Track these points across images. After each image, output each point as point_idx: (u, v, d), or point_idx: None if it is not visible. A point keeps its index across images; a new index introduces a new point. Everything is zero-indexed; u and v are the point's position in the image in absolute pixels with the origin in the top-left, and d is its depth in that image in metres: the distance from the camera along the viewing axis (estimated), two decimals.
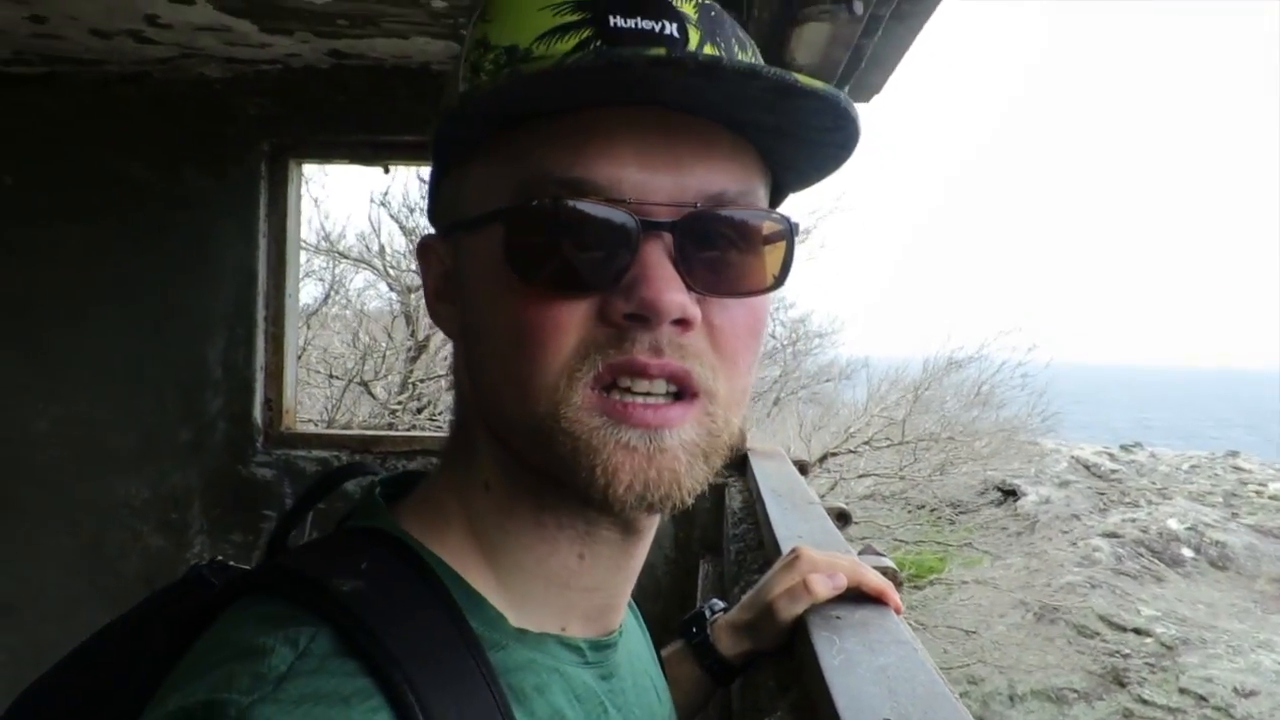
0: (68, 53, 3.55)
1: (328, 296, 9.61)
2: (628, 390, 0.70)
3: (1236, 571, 15.37)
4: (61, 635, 0.98)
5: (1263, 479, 18.33)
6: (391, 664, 0.63)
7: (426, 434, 5.43)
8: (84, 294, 3.76)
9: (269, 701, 0.59)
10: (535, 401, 0.71)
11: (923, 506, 12.29)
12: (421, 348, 9.24)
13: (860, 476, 11.91)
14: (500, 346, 0.73)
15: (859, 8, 1.86)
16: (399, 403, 9.08)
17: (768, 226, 0.76)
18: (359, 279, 10.02)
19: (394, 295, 9.56)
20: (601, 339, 0.70)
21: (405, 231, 9.30)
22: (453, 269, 0.80)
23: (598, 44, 0.70)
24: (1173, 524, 16.12)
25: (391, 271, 9.44)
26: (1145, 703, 11.72)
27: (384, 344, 9.37)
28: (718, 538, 3.32)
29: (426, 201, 0.86)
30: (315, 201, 9.02)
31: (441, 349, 8.94)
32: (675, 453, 0.71)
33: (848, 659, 1.08)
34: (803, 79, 0.66)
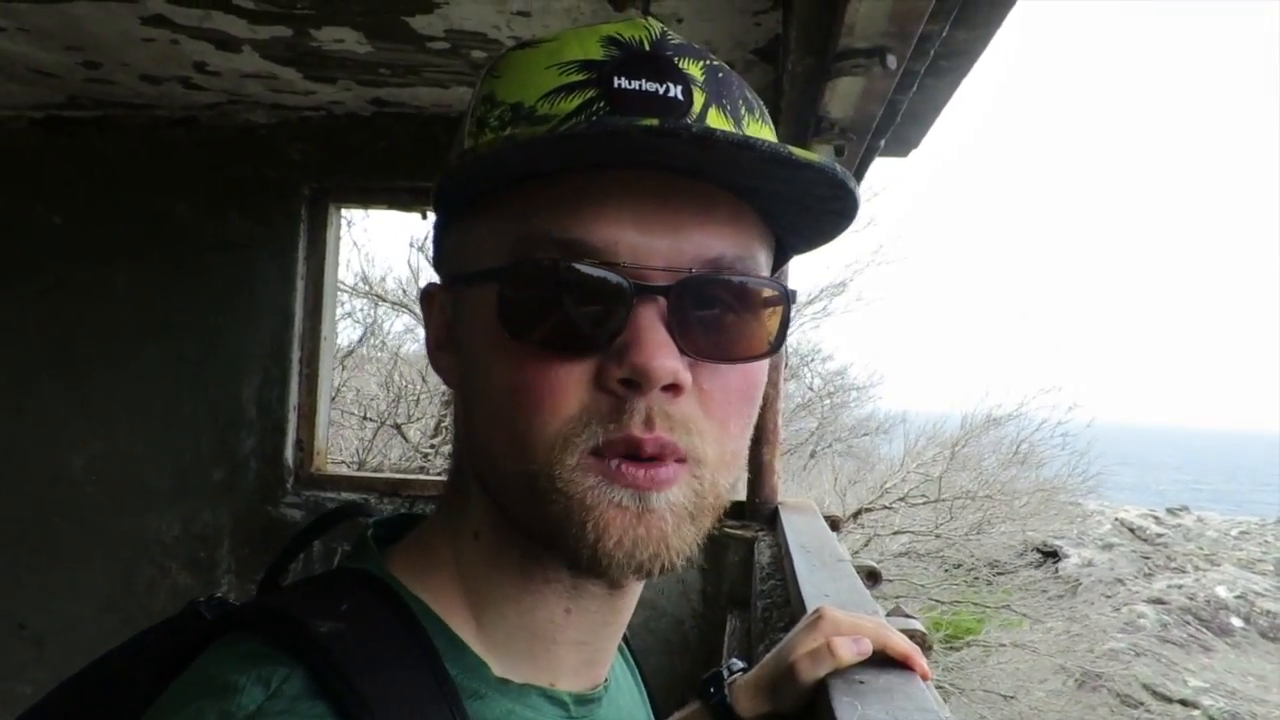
0: (119, 97, 3.66)
1: (363, 338, 9.72)
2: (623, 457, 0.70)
3: None
4: None
5: None
6: (361, 708, 0.63)
7: None
8: (127, 333, 3.83)
9: None
10: (530, 460, 0.70)
11: (959, 565, 12.05)
12: None
13: (895, 533, 11.72)
14: (495, 402, 0.73)
15: (892, 62, 1.86)
16: (431, 445, 9.11)
17: (764, 292, 0.75)
18: (399, 323, 10.14)
19: None
20: (604, 409, 0.70)
21: None
22: (453, 319, 0.81)
23: (601, 104, 0.70)
24: (1221, 591, 15.66)
25: None
26: None
27: (418, 386, 9.42)
28: (747, 593, 3.27)
29: (431, 248, 0.86)
30: (355, 244, 9.16)
31: None
32: (662, 513, 0.70)
33: None
34: (797, 152, 0.66)
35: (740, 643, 2.83)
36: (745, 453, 0.79)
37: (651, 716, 1.04)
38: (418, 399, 9.40)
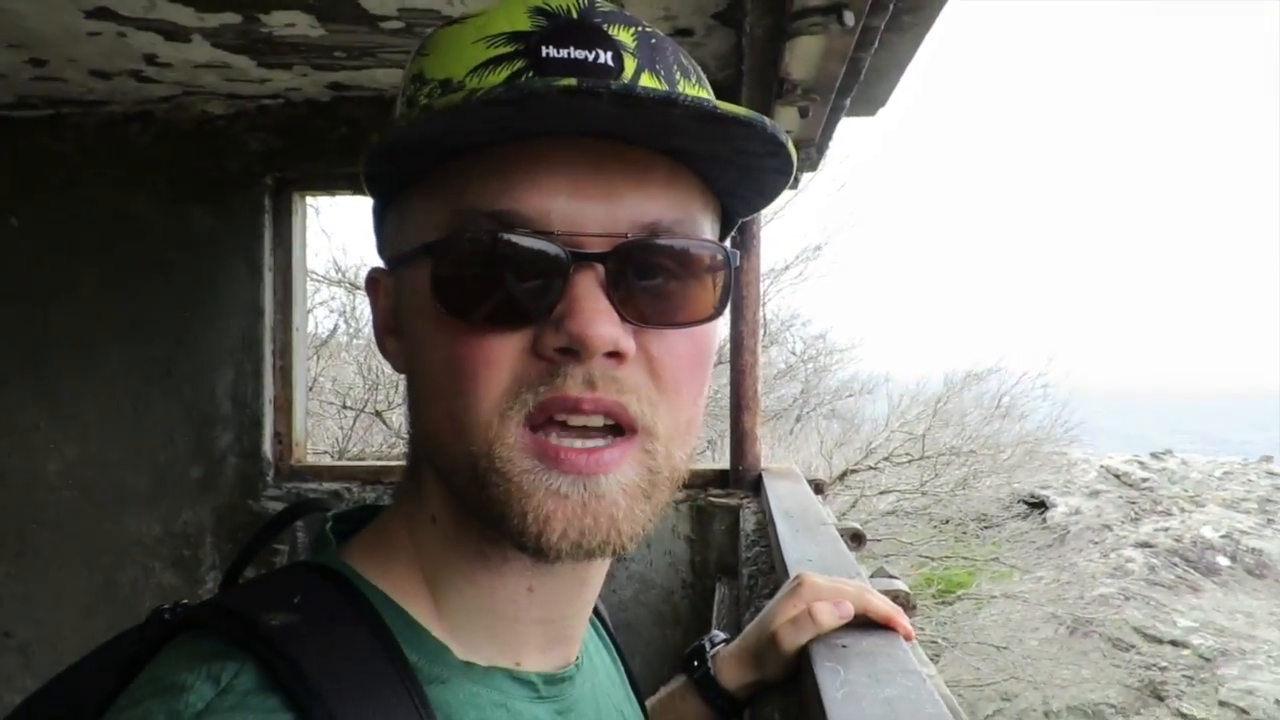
0: (70, 94, 3.58)
1: (336, 326, 9.66)
2: (563, 427, 0.69)
3: (1275, 579, 15.09)
4: None
5: None
6: (314, 699, 0.62)
7: None
8: (93, 334, 3.76)
9: None
10: (469, 440, 0.69)
11: (947, 521, 12.15)
12: None
13: (882, 493, 11.80)
14: (435, 382, 0.72)
15: (849, 19, 1.83)
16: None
17: (704, 255, 0.75)
18: None
19: None
20: (534, 375, 0.69)
21: None
22: (396, 302, 0.80)
23: (530, 74, 0.69)
24: (1207, 532, 15.87)
25: None
26: (1184, 717, 11.49)
27: (395, 372, 9.37)
28: (734, 561, 3.27)
29: (374, 234, 0.84)
30: (324, 232, 9.07)
31: None
32: (614, 497, 0.69)
33: (851, 691, 1.03)
34: (723, 105, 0.65)
35: (729, 611, 2.84)
36: (699, 421, 0.78)
37: (630, 692, 1.04)
38: (397, 384, 9.36)
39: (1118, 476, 18.51)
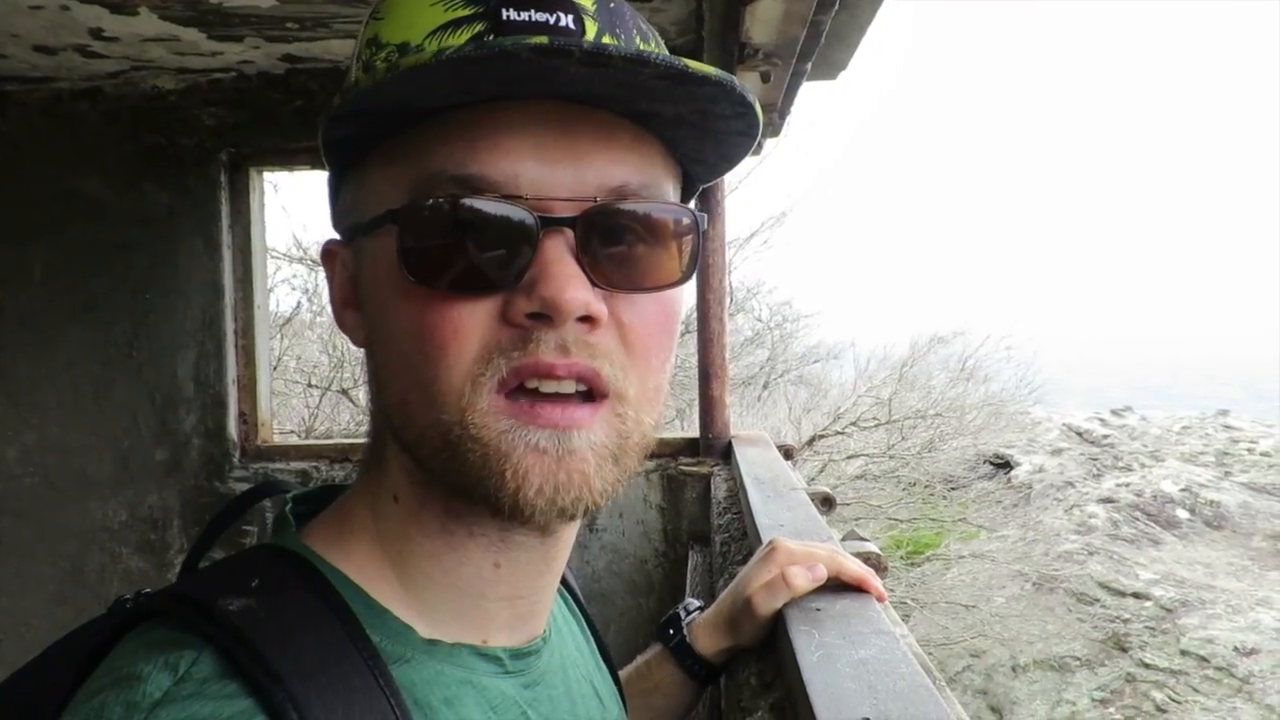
0: (14, 71, 3.48)
1: (299, 304, 9.53)
2: (535, 392, 0.68)
3: (1232, 530, 15.43)
4: None
5: (1253, 436, 18.42)
6: (274, 683, 0.61)
7: None
8: (50, 318, 3.69)
9: None
10: (440, 409, 0.68)
11: (915, 484, 12.31)
12: None
13: (850, 457, 11.92)
14: (403, 352, 0.71)
15: None
16: None
17: (672, 219, 0.74)
18: None
19: None
20: (505, 341, 0.68)
21: None
22: (356, 274, 0.78)
23: (490, 37, 0.68)
24: (1167, 486, 16.18)
25: None
26: (1147, 666, 11.77)
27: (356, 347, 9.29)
28: (706, 528, 3.29)
29: (329, 205, 0.82)
30: (284, 209, 8.94)
31: None
32: (584, 454, 0.69)
33: (826, 654, 1.04)
34: (693, 65, 0.64)
35: (703, 579, 2.85)
36: (666, 387, 0.78)
37: (600, 661, 1.03)
38: (362, 362, 9.25)
39: (1079, 434, 18.80)
